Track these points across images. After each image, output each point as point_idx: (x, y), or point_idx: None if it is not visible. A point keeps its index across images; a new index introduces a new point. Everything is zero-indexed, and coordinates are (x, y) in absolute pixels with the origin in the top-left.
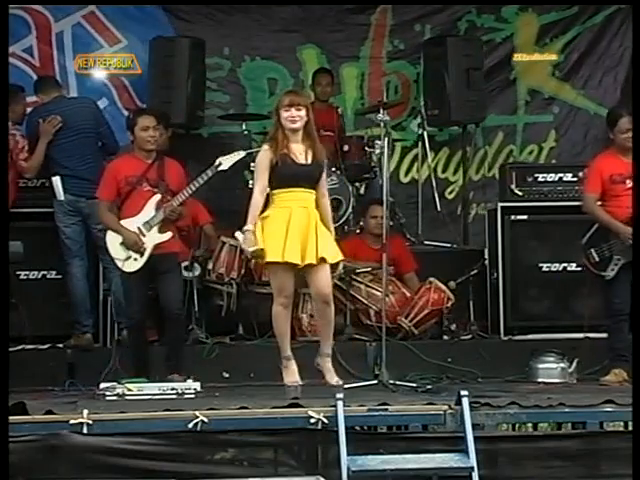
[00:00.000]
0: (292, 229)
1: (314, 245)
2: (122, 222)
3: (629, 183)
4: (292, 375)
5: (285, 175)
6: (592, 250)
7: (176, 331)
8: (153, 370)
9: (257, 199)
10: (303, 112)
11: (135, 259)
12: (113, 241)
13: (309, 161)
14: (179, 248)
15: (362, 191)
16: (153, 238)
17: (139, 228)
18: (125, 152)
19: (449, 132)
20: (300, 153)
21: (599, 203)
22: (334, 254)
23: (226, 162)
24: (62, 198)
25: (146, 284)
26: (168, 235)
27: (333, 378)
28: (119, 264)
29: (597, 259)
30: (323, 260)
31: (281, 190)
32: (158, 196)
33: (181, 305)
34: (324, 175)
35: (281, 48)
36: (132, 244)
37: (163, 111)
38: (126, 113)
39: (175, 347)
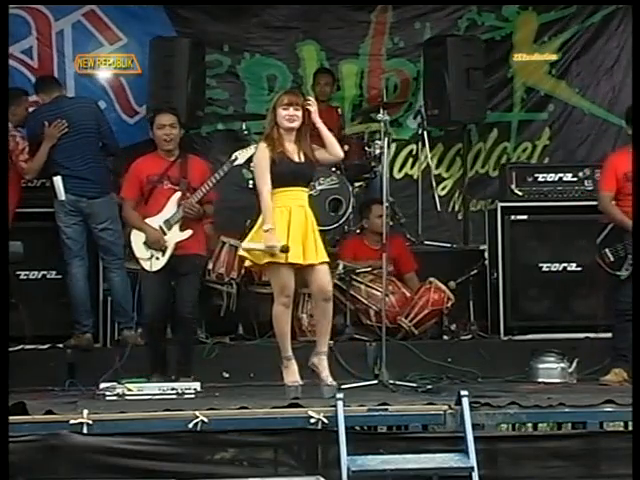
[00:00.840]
0: (293, 229)
1: (313, 244)
2: (146, 221)
3: None
4: (292, 375)
5: (283, 174)
6: (607, 250)
7: (185, 334)
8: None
9: (268, 199)
10: (300, 112)
11: (157, 258)
12: (137, 240)
13: (302, 160)
14: (202, 249)
15: (362, 191)
16: (174, 236)
17: (160, 226)
18: (150, 151)
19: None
20: (294, 152)
21: (614, 202)
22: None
23: (242, 156)
24: (63, 198)
25: (163, 284)
26: (188, 233)
27: (329, 378)
28: (143, 264)
29: (612, 259)
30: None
31: (279, 189)
32: (178, 194)
33: (192, 309)
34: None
35: (281, 44)
36: (154, 242)
37: None
38: (124, 116)
39: (184, 350)
